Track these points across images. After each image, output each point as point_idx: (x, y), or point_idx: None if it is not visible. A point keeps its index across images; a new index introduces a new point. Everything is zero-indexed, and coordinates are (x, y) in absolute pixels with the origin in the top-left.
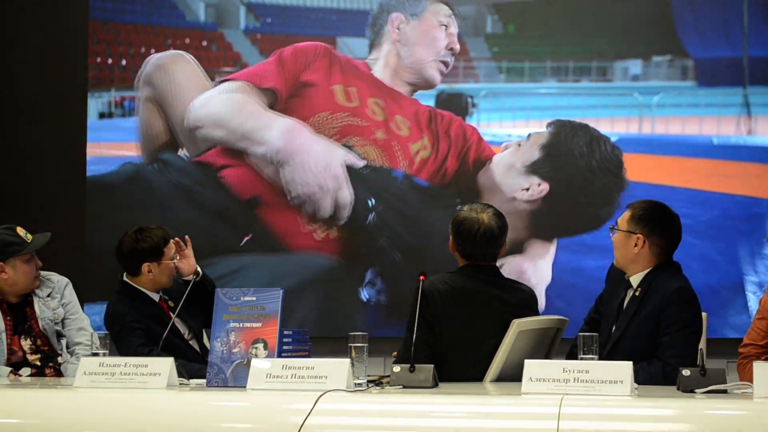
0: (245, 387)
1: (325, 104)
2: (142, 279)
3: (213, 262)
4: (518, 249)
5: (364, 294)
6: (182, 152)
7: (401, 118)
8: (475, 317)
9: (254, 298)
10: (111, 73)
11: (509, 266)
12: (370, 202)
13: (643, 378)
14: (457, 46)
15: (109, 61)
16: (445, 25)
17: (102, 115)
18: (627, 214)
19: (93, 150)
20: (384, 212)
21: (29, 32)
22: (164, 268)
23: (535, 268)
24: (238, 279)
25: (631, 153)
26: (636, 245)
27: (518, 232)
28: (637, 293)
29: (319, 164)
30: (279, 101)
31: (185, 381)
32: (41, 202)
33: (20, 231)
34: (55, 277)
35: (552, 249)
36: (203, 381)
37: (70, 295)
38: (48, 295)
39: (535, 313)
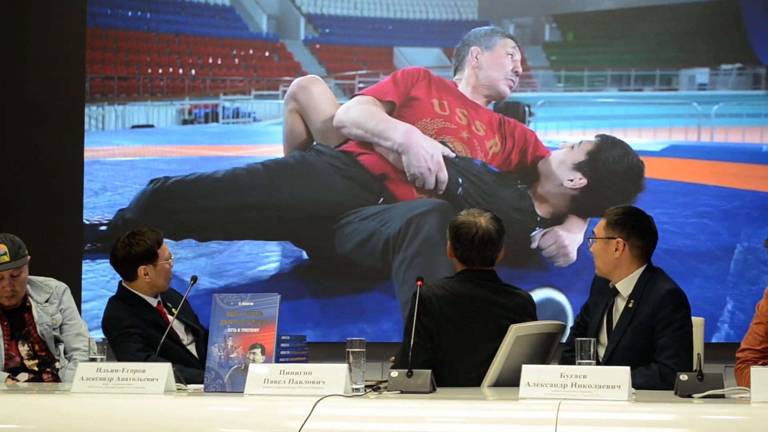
0: (243, 392)
1: (427, 113)
2: (139, 283)
3: (362, 209)
4: (560, 221)
5: None
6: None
7: (479, 123)
8: (472, 322)
9: (251, 304)
10: (183, 82)
11: (551, 233)
12: (459, 180)
13: (640, 381)
14: (520, 69)
15: (181, 71)
16: (511, 54)
17: (185, 122)
18: (602, 222)
19: (189, 150)
20: (468, 187)
21: (34, 37)
22: (160, 269)
23: (569, 233)
24: (385, 213)
25: (678, 158)
26: (616, 249)
27: (562, 208)
28: (630, 305)
29: (426, 154)
30: (395, 110)
31: (183, 386)
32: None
33: None
34: (53, 282)
35: (585, 225)
36: (201, 386)
37: (69, 300)
38: (46, 301)
39: (533, 317)
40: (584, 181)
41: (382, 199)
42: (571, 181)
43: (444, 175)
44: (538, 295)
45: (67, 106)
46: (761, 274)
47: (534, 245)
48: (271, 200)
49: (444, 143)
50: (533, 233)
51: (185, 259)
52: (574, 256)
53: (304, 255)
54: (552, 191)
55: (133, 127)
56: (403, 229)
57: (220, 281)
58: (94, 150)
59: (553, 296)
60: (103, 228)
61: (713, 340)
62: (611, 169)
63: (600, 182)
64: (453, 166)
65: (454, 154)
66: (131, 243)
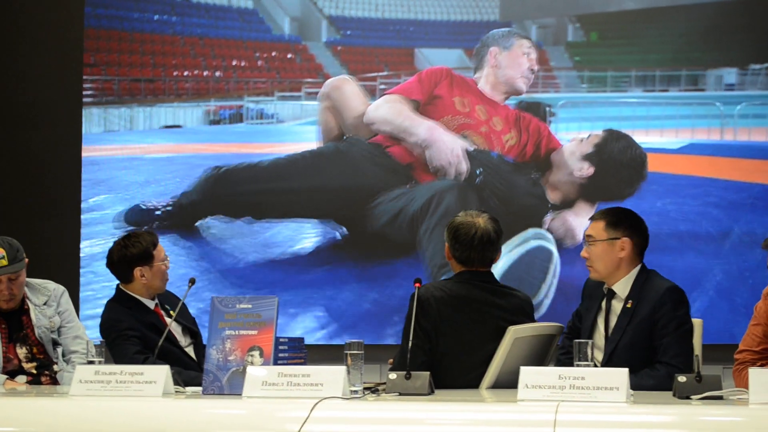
0: (241, 395)
1: (449, 110)
2: (136, 285)
3: (390, 191)
4: (569, 206)
5: None
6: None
7: (497, 118)
8: (471, 324)
9: (250, 306)
10: (207, 84)
11: (559, 218)
12: (477, 171)
13: (650, 384)
14: (536, 67)
15: (205, 73)
16: (527, 53)
17: (212, 122)
18: (599, 224)
19: (220, 148)
20: (486, 177)
21: (31, 39)
22: (156, 271)
23: (576, 217)
24: (410, 193)
25: (695, 155)
26: (622, 249)
27: (571, 195)
28: (628, 305)
29: (448, 148)
30: (420, 107)
31: (181, 389)
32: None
33: None
34: (51, 285)
35: (591, 209)
36: (199, 389)
37: (67, 303)
38: (44, 303)
39: (531, 318)
40: (591, 170)
41: (409, 185)
42: (580, 170)
43: (463, 167)
44: (531, 244)
45: (65, 108)
46: (751, 250)
47: (545, 228)
48: (311, 185)
49: (464, 137)
50: (544, 217)
51: (232, 237)
52: (580, 237)
53: (338, 235)
54: (562, 179)
55: (163, 127)
56: (426, 204)
57: (266, 255)
58: (129, 148)
59: (544, 245)
60: (169, 208)
61: (696, 304)
62: (616, 160)
63: (606, 172)
64: (472, 159)
65: (473, 148)
66: (127, 245)
